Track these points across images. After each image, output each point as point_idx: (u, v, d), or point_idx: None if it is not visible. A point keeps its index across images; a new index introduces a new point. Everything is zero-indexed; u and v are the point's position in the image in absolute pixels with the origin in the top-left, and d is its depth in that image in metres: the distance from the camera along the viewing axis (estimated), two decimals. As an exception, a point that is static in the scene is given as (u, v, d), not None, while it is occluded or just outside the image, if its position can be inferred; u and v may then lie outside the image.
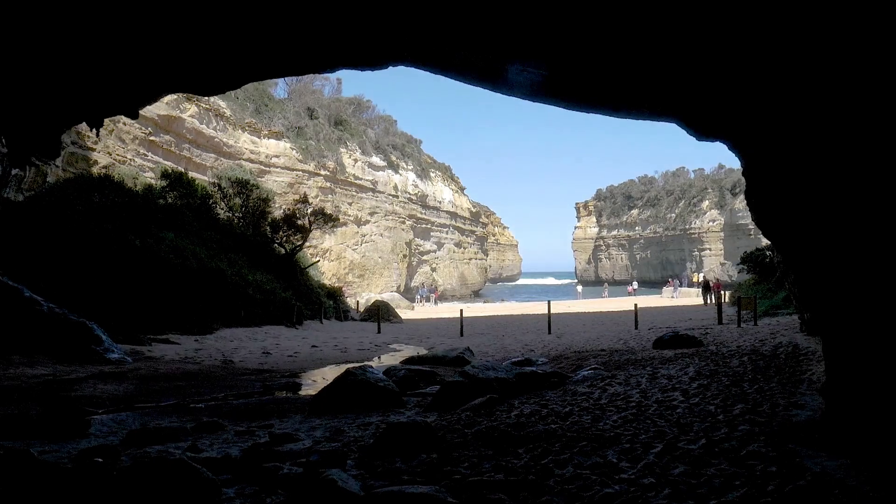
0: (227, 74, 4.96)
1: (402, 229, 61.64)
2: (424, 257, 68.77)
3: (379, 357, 14.32)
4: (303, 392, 9.49)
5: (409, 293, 58.87)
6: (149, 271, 16.39)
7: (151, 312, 15.64)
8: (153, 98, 5.32)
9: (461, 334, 18.40)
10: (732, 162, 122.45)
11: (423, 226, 67.71)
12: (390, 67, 6.22)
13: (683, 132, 6.16)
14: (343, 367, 12.17)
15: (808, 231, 4.95)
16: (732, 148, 6.33)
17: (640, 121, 6.68)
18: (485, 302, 60.96)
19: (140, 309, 15.41)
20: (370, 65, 5.94)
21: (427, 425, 5.41)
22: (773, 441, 5.02)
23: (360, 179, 55.62)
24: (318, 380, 10.54)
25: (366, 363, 12.72)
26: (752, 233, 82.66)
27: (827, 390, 5.48)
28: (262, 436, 6.41)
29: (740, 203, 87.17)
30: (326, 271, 50.67)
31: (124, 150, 31.45)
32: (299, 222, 24.94)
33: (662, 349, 11.61)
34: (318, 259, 34.25)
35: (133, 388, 9.21)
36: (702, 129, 5.99)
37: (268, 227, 24.71)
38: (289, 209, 25.97)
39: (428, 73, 6.17)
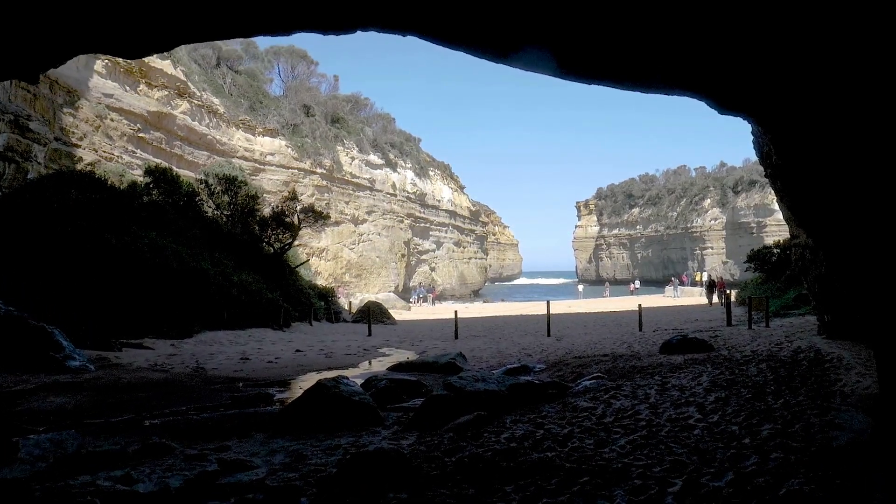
0: (155, 33, 4.07)
1: (401, 228, 60.78)
2: (423, 257, 67.90)
3: (370, 362, 13.44)
4: (276, 403, 8.62)
5: (407, 293, 58.03)
6: (125, 272, 15.52)
7: (127, 315, 14.77)
8: (59, 60, 4.45)
9: (456, 337, 17.51)
10: (734, 160, 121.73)
11: (422, 225, 66.84)
12: (359, 32, 5.33)
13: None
14: (327, 375, 11.32)
15: (859, 218, 4.07)
16: (756, 123, 5.46)
17: (650, 95, 5.75)
18: (484, 302, 60.10)
19: (115, 312, 14.56)
20: (335, 28, 5.06)
21: (398, 455, 4.53)
22: (816, 474, 4.14)
23: (358, 178, 54.77)
24: (295, 390, 9.67)
25: (349, 369, 11.85)
26: (754, 231, 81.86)
27: (878, 408, 4.62)
28: (213, 461, 5.55)
29: (742, 201, 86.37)
30: (323, 271, 49.81)
31: (111, 146, 30.59)
32: (288, 220, 24.04)
33: (670, 354, 10.72)
34: (308, 258, 33.32)
35: (87, 400, 8.34)
36: (724, 103, 5.10)
37: (256, 226, 23.82)
38: (277, 206, 25.08)
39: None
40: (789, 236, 10.87)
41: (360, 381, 9.29)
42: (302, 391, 8.53)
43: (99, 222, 16.69)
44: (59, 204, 17.22)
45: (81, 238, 15.67)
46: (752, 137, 9.02)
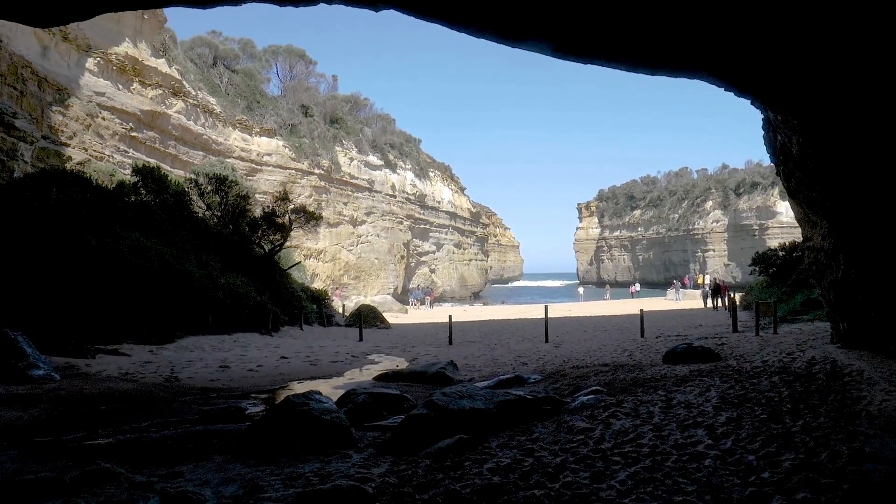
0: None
1: (400, 230, 60.13)
2: (423, 258, 67.22)
3: (360, 370, 12.78)
4: (251, 418, 7.95)
5: (406, 295, 57.40)
6: (105, 274, 14.87)
7: (105, 320, 14.14)
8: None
9: (450, 343, 16.84)
10: (736, 162, 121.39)
11: (422, 226, 66.18)
12: (322, 5, 4.66)
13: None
14: (309, 385, 10.68)
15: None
16: (777, 110, 4.79)
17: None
18: (484, 304, 59.46)
19: (92, 316, 13.92)
20: (293, -1, 4.40)
21: (358, 493, 3.87)
22: (852, 522, 3.48)
23: (357, 178, 54.15)
24: (271, 402, 9.00)
25: (333, 378, 11.20)
26: (756, 233, 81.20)
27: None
28: (159, 491, 4.90)
29: (744, 203, 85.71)
30: (321, 273, 49.16)
31: (102, 145, 29.95)
32: (280, 221, 23.36)
33: (674, 364, 10.06)
34: (300, 260, 32.58)
35: (42, 414, 7.69)
36: (743, 86, 4.43)
37: (246, 226, 23.14)
38: (269, 207, 24.41)
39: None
40: (802, 238, 10.19)
41: (341, 393, 8.65)
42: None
43: (79, 222, 16.04)
44: (38, 203, 16.57)
45: (59, 238, 15.03)
46: (761, 133, 8.33)
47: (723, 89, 4.82)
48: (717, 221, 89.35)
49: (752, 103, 7.66)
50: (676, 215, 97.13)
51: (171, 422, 7.56)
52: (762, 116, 8.95)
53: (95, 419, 7.63)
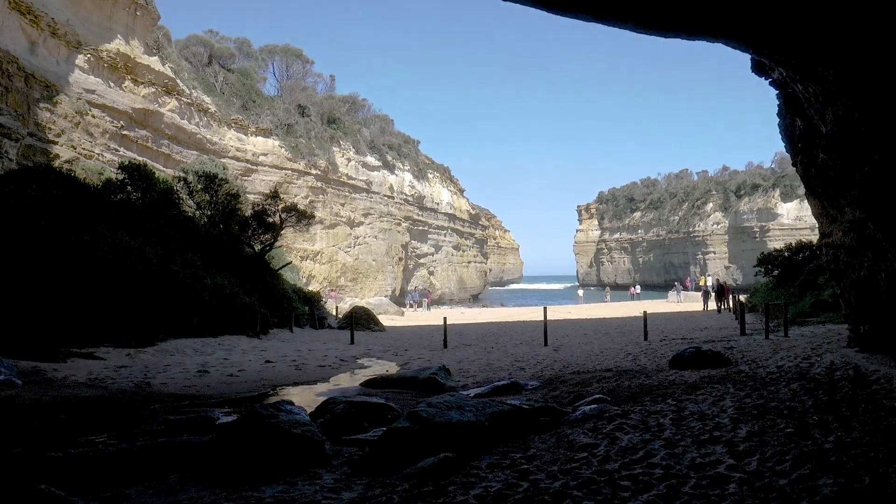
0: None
1: (398, 231, 59.48)
2: (421, 260, 66.56)
3: (350, 374, 12.12)
4: (218, 429, 7.27)
5: (405, 297, 56.70)
6: (84, 274, 14.20)
7: (82, 321, 13.45)
8: None
9: (444, 346, 16.15)
10: (737, 163, 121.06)
11: (420, 228, 65.53)
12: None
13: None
14: (292, 392, 10.02)
15: None
16: (815, 79, 4.12)
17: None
18: (483, 306, 58.81)
19: (69, 317, 13.23)
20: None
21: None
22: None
23: (354, 179, 53.53)
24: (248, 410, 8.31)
25: (318, 384, 10.52)
26: (756, 235, 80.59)
27: None
28: (96, 521, 4.24)
29: (745, 205, 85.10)
30: (318, 274, 48.50)
31: (92, 144, 29.30)
32: (270, 220, 22.68)
33: (682, 370, 9.40)
34: (290, 261, 31.87)
35: (-8, 425, 7.01)
36: (767, 49, 3.76)
37: (236, 226, 22.45)
38: (259, 205, 23.71)
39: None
40: (819, 234, 9.53)
41: (322, 400, 7.99)
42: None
43: (58, 220, 15.39)
44: (16, 200, 15.92)
45: (36, 237, 14.36)
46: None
47: (748, 54, 4.16)
48: (718, 223, 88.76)
49: (770, 83, 6.98)
50: (677, 217, 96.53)
51: (132, 433, 6.88)
52: (778, 102, 8.28)
53: (51, 430, 6.96)
